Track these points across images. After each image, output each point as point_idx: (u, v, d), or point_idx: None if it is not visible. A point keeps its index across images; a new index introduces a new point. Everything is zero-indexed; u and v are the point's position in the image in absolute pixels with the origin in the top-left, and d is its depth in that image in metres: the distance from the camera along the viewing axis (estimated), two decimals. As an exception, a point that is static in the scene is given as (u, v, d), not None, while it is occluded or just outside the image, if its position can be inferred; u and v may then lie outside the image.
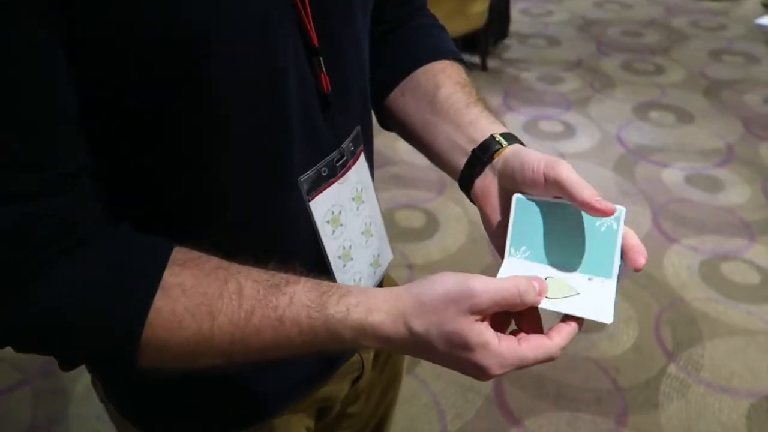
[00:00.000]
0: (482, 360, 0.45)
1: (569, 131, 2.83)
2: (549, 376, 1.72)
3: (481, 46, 3.31)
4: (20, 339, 0.44)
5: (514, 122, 2.90)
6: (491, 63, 3.43)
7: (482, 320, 0.46)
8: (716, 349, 1.80)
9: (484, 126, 0.60)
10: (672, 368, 1.74)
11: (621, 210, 0.51)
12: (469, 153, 0.59)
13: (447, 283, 0.46)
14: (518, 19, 3.95)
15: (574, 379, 1.72)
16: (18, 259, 0.40)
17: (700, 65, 3.43)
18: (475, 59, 3.37)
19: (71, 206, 0.42)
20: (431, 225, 2.28)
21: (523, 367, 0.47)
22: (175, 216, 0.52)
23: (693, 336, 1.84)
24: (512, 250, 0.54)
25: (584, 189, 0.49)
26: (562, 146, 2.73)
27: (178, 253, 0.46)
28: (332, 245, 0.60)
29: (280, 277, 0.48)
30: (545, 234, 0.53)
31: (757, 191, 2.43)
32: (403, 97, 0.67)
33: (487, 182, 0.57)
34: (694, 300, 1.95)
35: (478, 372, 0.47)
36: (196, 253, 0.47)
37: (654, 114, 2.97)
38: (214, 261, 0.47)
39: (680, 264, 2.09)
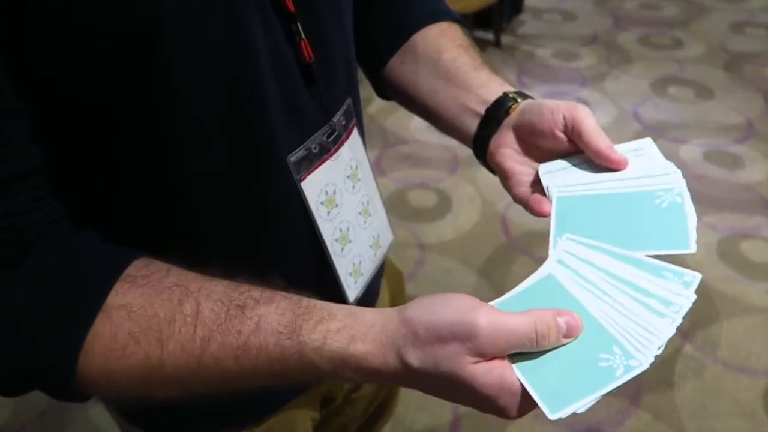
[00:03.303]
0: (498, 401, 0.39)
1: (585, 108, 2.78)
2: (562, 355, 1.71)
3: (495, 22, 3.25)
4: None
5: (529, 100, 2.85)
6: (505, 39, 3.37)
7: (485, 361, 0.39)
8: (733, 329, 1.77)
9: (495, 87, 0.58)
10: (688, 348, 1.72)
11: (681, 184, 0.49)
12: (482, 114, 0.58)
13: (449, 311, 0.39)
14: (533, -6, 3.88)
15: (587, 358, 1.70)
16: None
17: (721, 38, 3.34)
18: (489, 36, 3.32)
19: (21, 209, 0.39)
20: (444, 204, 2.27)
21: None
22: (155, 207, 0.49)
23: (710, 315, 1.81)
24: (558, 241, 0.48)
25: (600, 138, 0.49)
26: (578, 123, 2.68)
27: (132, 268, 0.41)
28: (328, 228, 0.58)
29: (249, 296, 0.42)
30: (597, 224, 0.48)
31: (778, 167, 2.38)
32: (404, 65, 0.65)
33: (503, 138, 0.56)
34: (712, 279, 1.92)
35: (495, 410, 0.40)
36: (155, 267, 0.42)
37: (672, 89, 2.91)
38: (173, 277, 0.41)
39: (698, 242, 2.05)
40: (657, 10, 3.70)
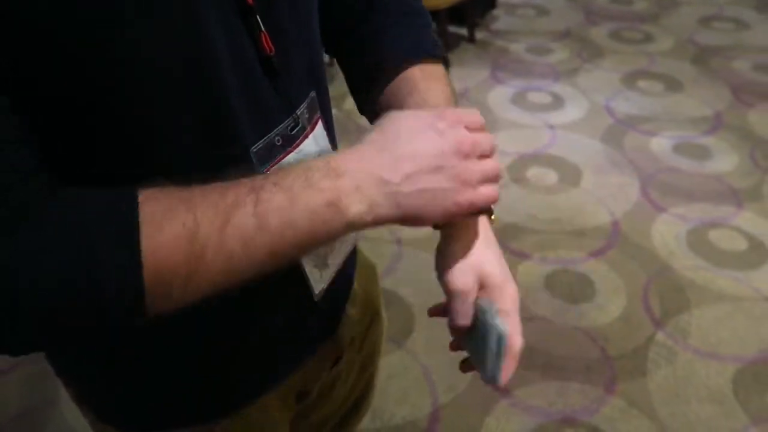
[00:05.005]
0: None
1: (558, 102, 2.82)
2: (538, 346, 1.74)
3: (468, 17, 3.27)
4: None
5: (503, 95, 2.88)
6: (479, 35, 3.40)
7: None
8: (704, 316, 1.82)
9: None
10: (660, 336, 1.76)
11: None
12: None
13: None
14: (506, -11, 3.91)
15: (563, 349, 1.73)
16: None
17: (690, 32, 3.41)
18: (463, 31, 3.34)
19: (30, 169, 0.40)
20: (420, 199, 2.28)
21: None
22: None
23: (681, 304, 1.86)
24: None
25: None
26: (551, 118, 2.71)
27: (143, 189, 0.44)
28: None
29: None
30: None
31: (745, 158, 2.44)
32: (386, 100, 0.64)
33: None
34: (682, 268, 1.97)
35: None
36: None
37: (642, 83, 2.96)
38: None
39: (668, 233, 2.10)
40: (627, 5, 3.75)
